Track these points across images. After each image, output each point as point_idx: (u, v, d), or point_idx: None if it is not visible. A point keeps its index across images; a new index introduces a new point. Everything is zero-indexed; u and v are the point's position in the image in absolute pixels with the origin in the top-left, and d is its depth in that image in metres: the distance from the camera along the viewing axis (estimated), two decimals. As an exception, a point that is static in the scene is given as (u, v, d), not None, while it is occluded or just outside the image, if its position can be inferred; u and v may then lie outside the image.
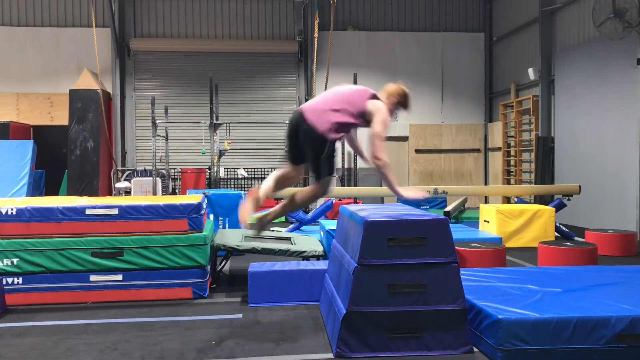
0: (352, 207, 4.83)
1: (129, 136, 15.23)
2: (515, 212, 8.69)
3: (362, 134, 4.50)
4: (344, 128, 4.27)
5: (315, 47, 12.64)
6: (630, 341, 3.72)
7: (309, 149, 4.25)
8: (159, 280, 5.45)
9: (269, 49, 15.41)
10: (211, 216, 8.11)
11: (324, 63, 13.98)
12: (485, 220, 9.11)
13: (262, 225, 4.42)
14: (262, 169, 15.42)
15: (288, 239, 6.64)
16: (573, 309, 3.87)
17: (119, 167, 14.68)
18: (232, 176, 15.22)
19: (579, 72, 11.57)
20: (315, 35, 12.33)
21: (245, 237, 6.44)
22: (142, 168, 14.20)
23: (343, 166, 14.60)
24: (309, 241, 6.61)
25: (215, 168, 12.99)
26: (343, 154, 14.36)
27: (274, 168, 15.22)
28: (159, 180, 12.88)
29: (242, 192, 8.90)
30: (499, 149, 15.20)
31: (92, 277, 5.38)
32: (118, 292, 5.42)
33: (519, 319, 3.71)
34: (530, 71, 13.28)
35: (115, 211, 5.43)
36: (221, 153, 13.05)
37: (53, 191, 13.26)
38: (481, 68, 16.12)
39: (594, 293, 4.37)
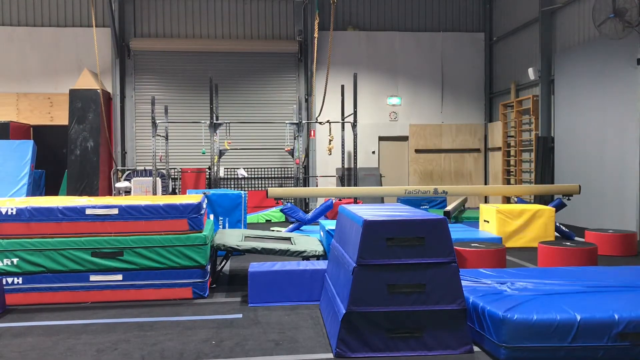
0: (352, 207, 4.82)
1: (129, 136, 15.23)
2: (515, 212, 8.69)
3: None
4: None
5: (315, 47, 12.64)
6: (633, 339, 3.73)
7: None
8: (159, 280, 5.45)
9: (269, 49, 15.41)
10: (211, 216, 8.11)
11: (324, 63, 13.98)
12: (485, 220, 9.11)
13: None
14: (262, 169, 15.42)
15: (288, 239, 6.64)
16: (576, 308, 3.88)
17: (119, 167, 14.69)
18: (232, 176, 15.22)
19: (579, 72, 11.58)
20: (315, 35, 12.33)
21: (245, 237, 6.44)
22: (142, 168, 14.20)
23: (343, 166, 14.60)
24: (309, 241, 6.61)
25: (215, 168, 12.99)
26: (343, 153, 14.36)
27: (274, 168, 15.39)
28: (159, 180, 12.88)
29: (242, 192, 8.90)
30: (499, 149, 15.20)
31: (92, 277, 5.39)
32: (118, 292, 5.42)
33: (523, 319, 3.72)
34: (530, 71, 13.28)
35: (115, 211, 5.44)
36: (221, 153, 13.05)
37: (53, 191, 13.27)
38: (481, 68, 16.12)
39: (596, 293, 4.38)
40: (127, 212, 5.44)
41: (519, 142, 14.11)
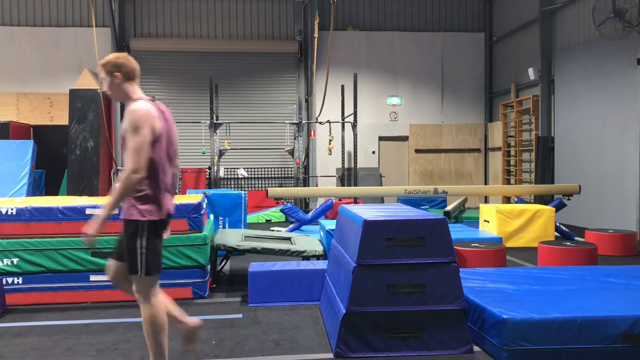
0: (352, 207, 4.82)
1: (129, 136, 15.20)
2: (515, 212, 8.69)
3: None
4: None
5: (315, 47, 12.63)
6: (635, 341, 3.72)
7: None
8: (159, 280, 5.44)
9: (269, 49, 15.41)
10: (211, 216, 8.11)
11: (324, 63, 13.98)
12: (485, 220, 9.11)
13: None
14: (262, 169, 15.42)
15: (288, 239, 6.64)
16: (577, 309, 3.87)
17: (119, 167, 14.67)
18: (232, 176, 15.22)
19: (579, 72, 11.57)
20: (315, 35, 12.31)
21: (245, 237, 6.44)
22: (142, 168, 14.16)
23: (343, 166, 14.60)
24: (309, 241, 6.61)
25: (215, 168, 12.99)
26: (343, 153, 14.36)
27: (274, 168, 15.38)
28: (159, 180, 12.85)
29: (242, 192, 8.89)
30: (499, 149, 15.20)
31: (92, 277, 5.38)
32: (118, 292, 5.37)
33: (525, 319, 3.71)
34: (530, 71, 13.27)
35: (116, 211, 5.42)
36: (221, 153, 13.05)
37: (53, 191, 13.25)
38: (481, 68, 16.12)
39: (597, 293, 4.37)
40: (127, 212, 5.43)
41: (519, 142, 14.11)
